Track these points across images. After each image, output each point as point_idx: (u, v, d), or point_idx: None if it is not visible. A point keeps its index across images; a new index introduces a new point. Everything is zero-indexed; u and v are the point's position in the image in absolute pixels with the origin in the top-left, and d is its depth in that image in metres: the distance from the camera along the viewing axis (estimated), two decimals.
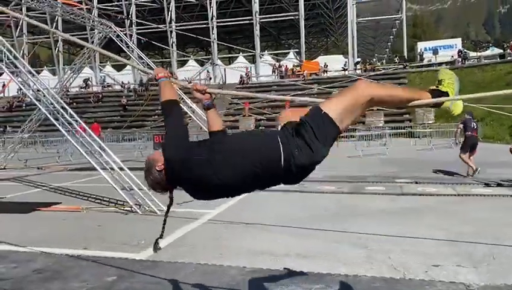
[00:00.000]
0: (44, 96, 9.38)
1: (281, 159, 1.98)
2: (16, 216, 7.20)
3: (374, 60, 42.64)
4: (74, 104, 33.92)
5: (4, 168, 14.64)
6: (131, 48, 14.50)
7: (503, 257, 4.41)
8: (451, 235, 5.28)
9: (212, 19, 41.34)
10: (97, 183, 9.28)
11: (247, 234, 5.62)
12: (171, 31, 40.55)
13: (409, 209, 6.93)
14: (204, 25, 41.19)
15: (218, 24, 41.72)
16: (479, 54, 36.47)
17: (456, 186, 8.92)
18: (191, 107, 12.97)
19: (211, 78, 38.70)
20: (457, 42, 39.59)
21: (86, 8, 32.45)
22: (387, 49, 55.62)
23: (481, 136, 15.17)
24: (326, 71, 36.15)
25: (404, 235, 5.23)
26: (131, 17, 41.49)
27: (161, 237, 2.24)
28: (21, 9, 27.17)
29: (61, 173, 13.54)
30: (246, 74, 37.41)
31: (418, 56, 38.45)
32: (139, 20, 39.22)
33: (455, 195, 8.08)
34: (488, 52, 37.30)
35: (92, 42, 16.65)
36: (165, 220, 2.24)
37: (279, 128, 2.17)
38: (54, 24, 38.85)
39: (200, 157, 1.98)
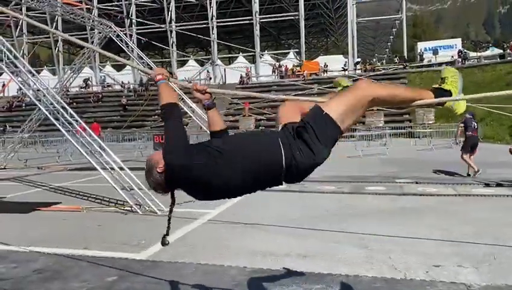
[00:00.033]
0: (44, 96, 9.38)
1: (282, 161, 1.98)
2: (15, 216, 7.20)
3: (374, 60, 42.65)
4: (74, 104, 33.90)
5: (4, 168, 14.63)
6: (131, 47, 14.50)
7: (504, 257, 4.40)
8: (451, 235, 5.28)
9: (212, 19, 41.32)
10: (97, 183, 9.28)
11: (247, 234, 5.62)
12: (171, 31, 40.56)
13: (410, 210, 6.93)
14: (204, 25, 41.18)
15: (218, 24, 41.71)
16: (479, 54, 36.46)
17: (456, 187, 8.92)
18: (191, 107, 12.95)
19: (210, 78, 38.69)
20: (457, 42, 39.60)
21: (86, 8, 32.42)
22: (387, 49, 55.62)
23: (481, 136, 15.16)
24: (326, 71, 36.14)
25: (404, 236, 5.22)
26: (132, 16, 41.47)
27: (167, 234, 2.24)
28: (21, 9, 27.19)
29: (61, 172, 13.54)
30: (246, 74, 37.40)
31: (418, 56, 38.44)
32: (139, 20, 39.24)
33: (455, 195, 8.08)
34: (488, 53, 37.28)
35: (92, 42, 16.65)
36: (169, 220, 2.24)
37: (279, 129, 2.16)
38: (54, 24, 38.88)
39: (200, 161, 1.97)
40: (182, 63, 46.39)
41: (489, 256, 4.43)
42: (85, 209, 7.33)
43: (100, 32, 14.66)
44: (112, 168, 7.83)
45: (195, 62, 44.71)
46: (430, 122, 25.36)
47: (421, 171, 11.24)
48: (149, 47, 42.93)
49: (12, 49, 10.13)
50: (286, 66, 38.10)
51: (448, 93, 2.20)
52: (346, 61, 38.66)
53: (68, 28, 40.39)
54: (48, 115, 8.85)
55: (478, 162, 10.41)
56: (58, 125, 8.58)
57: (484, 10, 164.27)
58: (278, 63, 38.69)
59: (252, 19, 40.74)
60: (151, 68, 12.28)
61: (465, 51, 36.84)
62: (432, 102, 2.21)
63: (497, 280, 3.81)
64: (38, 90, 9.73)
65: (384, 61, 44.62)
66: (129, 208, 7.19)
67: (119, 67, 43.85)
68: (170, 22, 41.28)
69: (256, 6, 40.35)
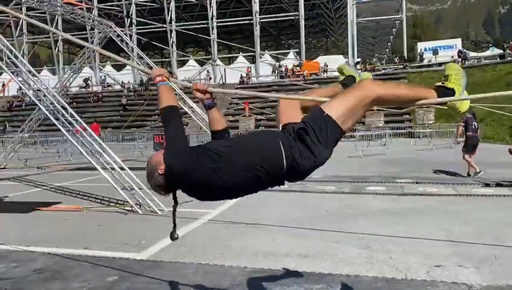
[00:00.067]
0: (44, 95, 9.37)
1: (283, 162, 1.97)
2: (15, 216, 7.19)
3: (374, 60, 42.63)
4: (74, 103, 33.91)
5: (4, 168, 14.62)
6: (131, 47, 14.50)
7: (504, 257, 4.40)
8: (452, 235, 5.28)
9: (212, 18, 41.33)
10: (97, 183, 9.27)
11: (248, 234, 5.62)
12: (171, 31, 40.55)
13: (410, 210, 6.93)
14: (204, 25, 41.20)
15: (218, 24, 41.72)
16: (479, 54, 36.47)
17: (456, 187, 8.92)
18: (191, 107, 12.95)
19: (210, 78, 38.68)
20: (457, 42, 39.59)
21: (86, 8, 32.41)
22: (387, 49, 55.62)
23: (481, 136, 15.15)
24: (326, 71, 36.14)
25: (405, 236, 5.22)
26: (132, 16, 41.47)
27: (174, 229, 2.23)
28: (21, 9, 27.15)
29: (61, 172, 13.53)
30: (246, 74, 37.39)
31: (418, 56, 38.45)
32: (139, 19, 39.22)
33: (456, 195, 8.07)
34: (488, 53, 37.31)
35: (92, 42, 16.64)
36: (174, 219, 2.24)
37: (279, 129, 2.15)
38: (54, 24, 38.86)
39: (201, 164, 1.97)
40: (182, 63, 46.40)
41: (490, 256, 4.42)
42: (85, 209, 7.32)
43: (100, 32, 14.65)
44: (112, 168, 7.82)
45: (195, 62, 44.69)
46: (430, 122, 25.37)
47: (421, 171, 11.24)
48: (149, 47, 42.89)
49: (12, 48, 10.12)
50: (286, 66, 38.11)
51: (451, 91, 2.17)
52: (346, 61, 38.63)
53: (68, 27, 40.39)
54: (48, 115, 8.85)
55: (478, 162, 10.40)
56: (58, 125, 8.58)
57: (484, 10, 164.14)
58: (277, 63, 38.67)
59: (252, 19, 40.75)
60: (151, 68, 12.28)
61: (465, 51, 36.84)
62: (435, 102, 2.20)
63: (498, 280, 3.81)
64: (38, 90, 9.72)
65: (384, 61, 44.61)
66: (129, 208, 7.18)
67: (119, 67, 43.86)
68: (170, 22, 41.30)
69: (256, 6, 40.36)
